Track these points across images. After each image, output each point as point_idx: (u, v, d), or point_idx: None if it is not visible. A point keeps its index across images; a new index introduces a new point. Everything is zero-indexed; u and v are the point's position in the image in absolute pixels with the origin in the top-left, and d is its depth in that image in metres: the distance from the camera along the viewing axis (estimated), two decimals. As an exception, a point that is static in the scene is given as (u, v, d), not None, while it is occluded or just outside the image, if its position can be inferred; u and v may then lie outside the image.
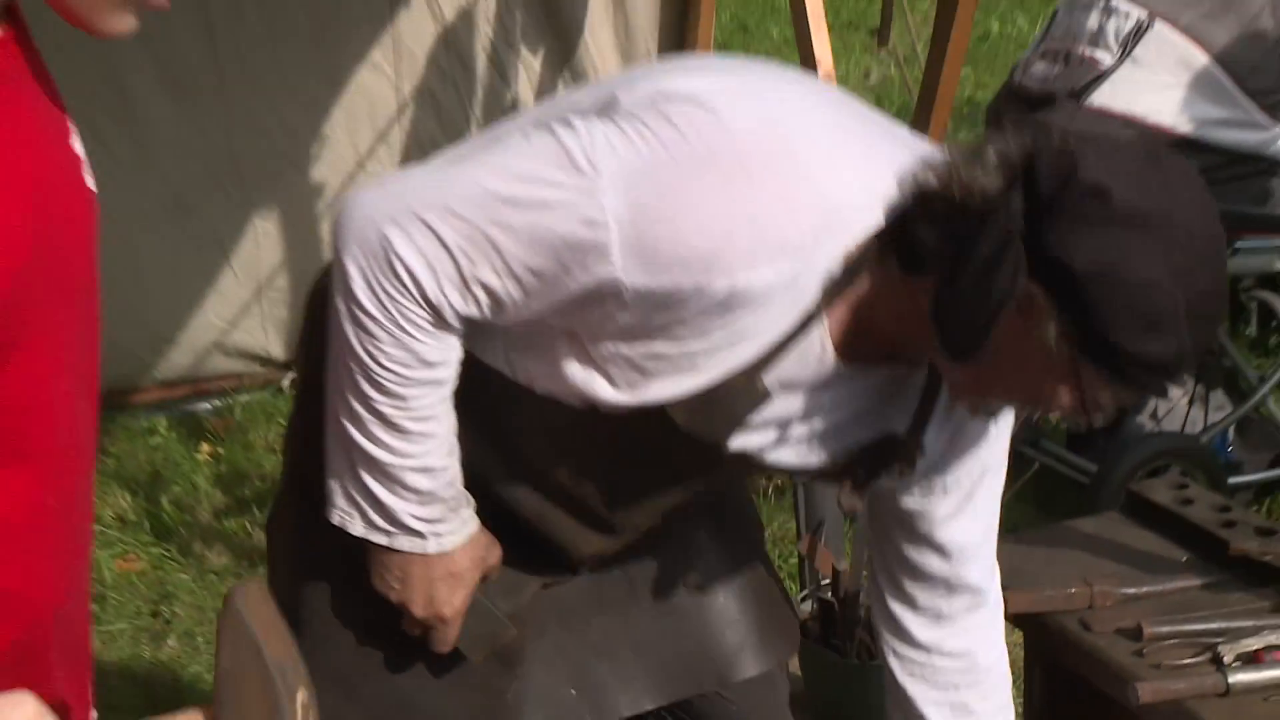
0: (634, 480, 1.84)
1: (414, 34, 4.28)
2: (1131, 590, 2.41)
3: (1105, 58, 3.91)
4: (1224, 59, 3.87)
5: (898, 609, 1.99)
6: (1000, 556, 1.99)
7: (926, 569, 1.95)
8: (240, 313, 4.48)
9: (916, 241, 1.58)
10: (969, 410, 1.76)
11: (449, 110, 4.40)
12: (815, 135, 1.63)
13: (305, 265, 4.33)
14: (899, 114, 5.55)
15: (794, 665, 2.77)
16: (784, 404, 1.73)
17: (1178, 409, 3.96)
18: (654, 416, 1.70)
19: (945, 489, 1.90)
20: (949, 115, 3.38)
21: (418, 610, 1.82)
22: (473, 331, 1.72)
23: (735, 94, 1.63)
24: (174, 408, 4.52)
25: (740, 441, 1.76)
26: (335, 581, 1.91)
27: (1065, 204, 1.50)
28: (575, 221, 1.59)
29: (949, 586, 1.96)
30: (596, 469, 1.82)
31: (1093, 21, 3.96)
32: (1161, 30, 3.88)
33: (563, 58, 4.43)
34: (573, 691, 1.99)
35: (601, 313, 1.63)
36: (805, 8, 3.37)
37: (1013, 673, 2.07)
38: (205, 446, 4.38)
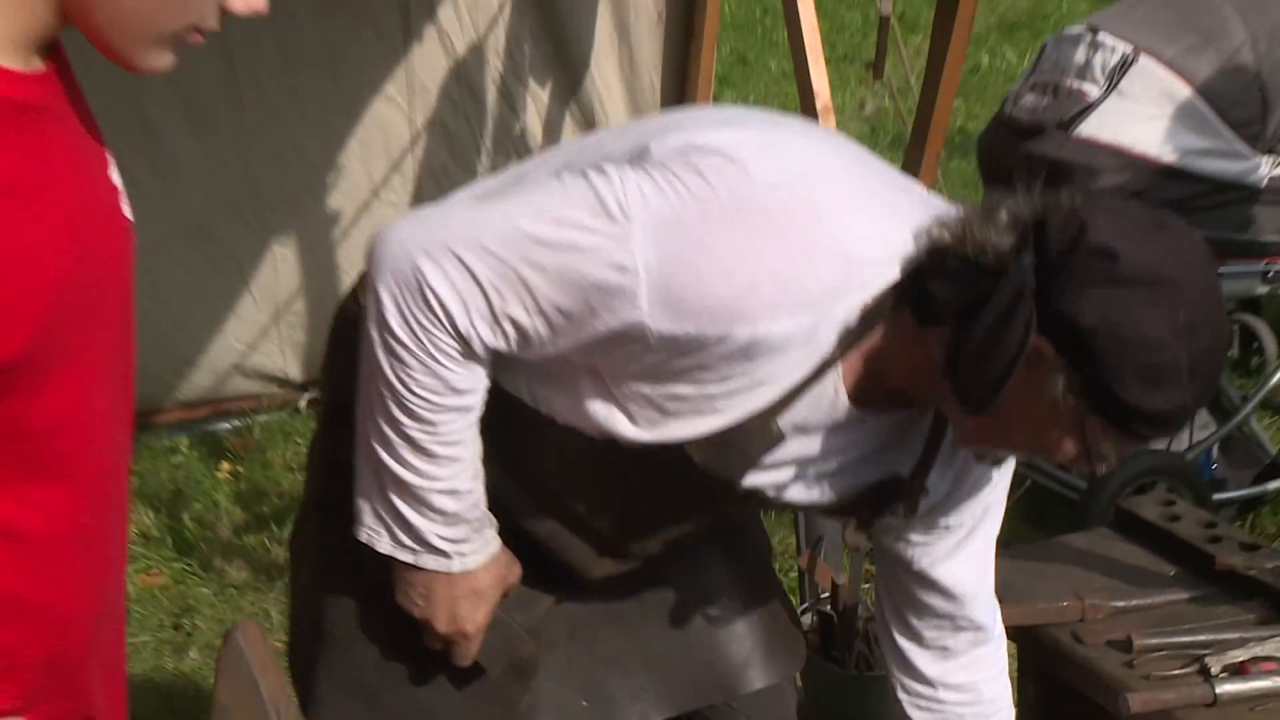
0: (648, 511, 1.86)
1: (426, 67, 4.27)
2: (1121, 603, 2.43)
3: (1092, 90, 3.86)
4: (1206, 91, 3.81)
5: (905, 644, 2.01)
6: (994, 571, 2.00)
7: (931, 605, 1.97)
8: (259, 336, 4.47)
9: (930, 295, 1.60)
10: (975, 457, 1.79)
11: (460, 141, 4.37)
12: (837, 190, 1.65)
13: (322, 290, 4.33)
14: (893, 144, 5.60)
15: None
16: (796, 446, 1.74)
17: (1164, 428, 3.98)
18: (672, 453, 1.71)
19: (948, 528, 1.92)
20: (942, 145, 3.39)
21: (441, 626, 1.83)
22: (499, 363, 1.72)
23: (762, 147, 1.65)
24: (195, 428, 4.51)
25: (753, 480, 1.77)
26: (359, 597, 1.93)
27: (1074, 264, 1.53)
28: (606, 266, 1.60)
29: (954, 622, 1.98)
30: (613, 499, 1.83)
31: (1080, 55, 3.92)
32: (1146, 64, 3.83)
33: (569, 90, 4.42)
34: (584, 703, 2.01)
35: (625, 354, 1.65)
36: (803, 42, 3.38)
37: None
38: (225, 465, 4.37)
